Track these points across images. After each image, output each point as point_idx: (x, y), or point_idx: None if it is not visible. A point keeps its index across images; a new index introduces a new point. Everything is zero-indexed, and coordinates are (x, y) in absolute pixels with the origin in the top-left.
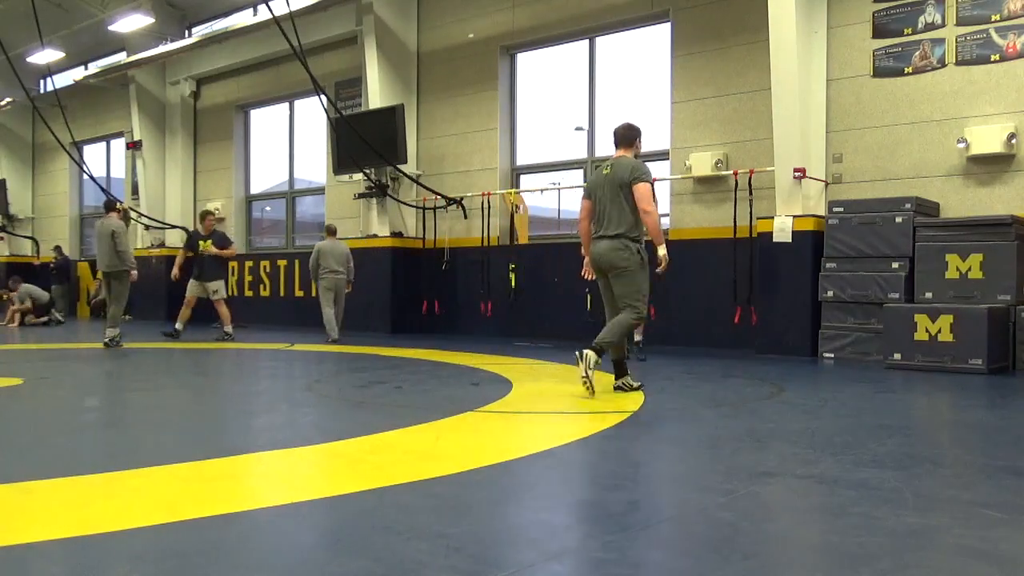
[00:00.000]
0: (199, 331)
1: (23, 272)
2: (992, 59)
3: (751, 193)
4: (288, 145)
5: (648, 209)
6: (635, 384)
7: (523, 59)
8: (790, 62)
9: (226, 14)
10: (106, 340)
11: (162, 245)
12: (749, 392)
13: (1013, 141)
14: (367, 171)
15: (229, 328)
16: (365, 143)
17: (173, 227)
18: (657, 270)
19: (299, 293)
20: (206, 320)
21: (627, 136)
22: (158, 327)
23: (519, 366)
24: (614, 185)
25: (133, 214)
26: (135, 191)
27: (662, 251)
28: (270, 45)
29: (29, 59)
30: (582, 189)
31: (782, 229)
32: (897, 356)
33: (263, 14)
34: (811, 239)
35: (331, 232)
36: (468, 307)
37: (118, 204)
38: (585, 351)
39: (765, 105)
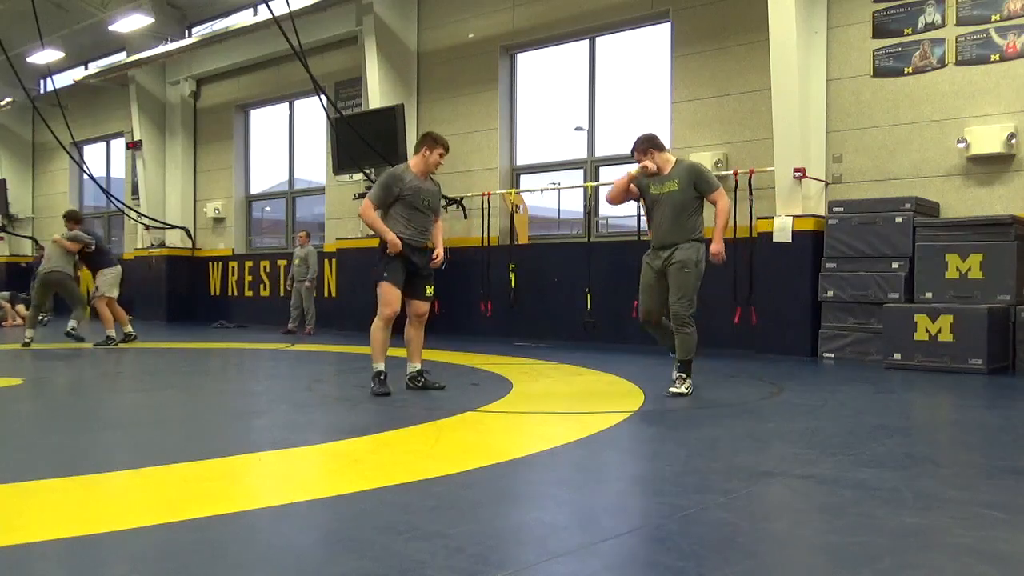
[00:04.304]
0: (198, 331)
1: (23, 273)
2: (992, 59)
3: (751, 193)
4: (288, 145)
5: None
6: None
7: (523, 59)
8: (790, 62)
9: (226, 14)
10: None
11: (162, 245)
12: (749, 392)
13: (1013, 141)
14: (367, 171)
15: (111, 332)
16: (365, 143)
17: (173, 227)
18: None
19: None
20: (206, 319)
21: None
22: (158, 328)
23: (519, 366)
24: None
25: (133, 214)
26: (135, 191)
27: None
28: (270, 45)
29: (29, 59)
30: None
31: (782, 229)
32: (897, 356)
33: (263, 14)
34: (811, 239)
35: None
36: (468, 307)
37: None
38: None
39: (765, 105)
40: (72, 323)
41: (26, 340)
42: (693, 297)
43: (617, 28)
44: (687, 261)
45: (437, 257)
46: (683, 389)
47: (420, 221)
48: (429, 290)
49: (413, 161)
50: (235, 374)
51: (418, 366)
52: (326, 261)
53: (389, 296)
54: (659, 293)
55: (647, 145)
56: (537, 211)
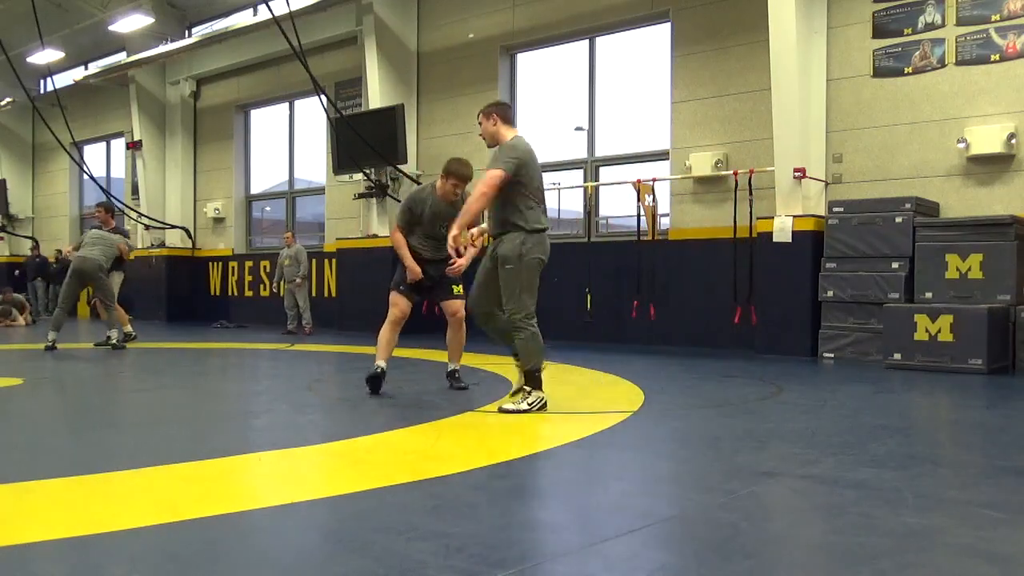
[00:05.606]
0: (198, 331)
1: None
2: (992, 59)
3: (751, 193)
4: (288, 145)
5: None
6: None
7: (523, 59)
8: (790, 62)
9: (226, 14)
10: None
11: (162, 245)
12: (749, 392)
13: (1013, 141)
14: (367, 171)
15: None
16: (365, 143)
17: (173, 227)
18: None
19: None
20: (206, 319)
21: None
22: (158, 328)
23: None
24: None
25: (133, 214)
26: (135, 191)
27: None
28: (270, 45)
29: (29, 59)
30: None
31: (782, 229)
32: (897, 356)
33: (263, 14)
34: (811, 239)
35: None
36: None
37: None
38: None
39: (765, 105)
40: (111, 332)
41: (49, 343)
42: (524, 296)
43: (617, 28)
44: (507, 256)
45: (456, 265)
46: (523, 405)
47: (436, 241)
48: (457, 289)
49: (439, 183)
50: (235, 374)
51: (453, 365)
52: (326, 261)
53: (396, 299)
54: (485, 286)
55: (492, 109)
56: None
